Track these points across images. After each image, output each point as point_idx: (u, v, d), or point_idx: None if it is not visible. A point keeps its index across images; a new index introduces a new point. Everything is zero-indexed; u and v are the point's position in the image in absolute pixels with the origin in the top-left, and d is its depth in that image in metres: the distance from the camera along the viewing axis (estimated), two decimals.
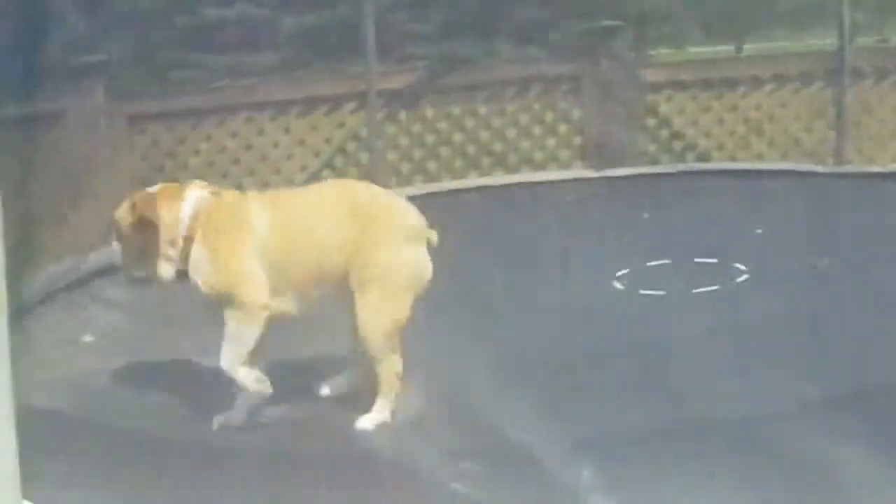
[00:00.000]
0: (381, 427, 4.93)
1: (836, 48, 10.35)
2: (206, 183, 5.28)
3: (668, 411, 4.88)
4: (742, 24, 14.46)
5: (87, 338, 6.31)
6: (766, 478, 4.20)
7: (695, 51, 13.98)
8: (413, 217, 5.15)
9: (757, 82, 10.60)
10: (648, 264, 7.15)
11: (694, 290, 6.61)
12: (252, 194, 5.36)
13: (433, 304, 5.08)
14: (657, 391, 5.10)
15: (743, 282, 6.77)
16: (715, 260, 7.08)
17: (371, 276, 5.01)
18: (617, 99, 10.40)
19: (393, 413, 4.97)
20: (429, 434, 4.87)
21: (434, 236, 5.09)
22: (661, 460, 4.37)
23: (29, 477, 3.54)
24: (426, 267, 5.11)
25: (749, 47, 14.41)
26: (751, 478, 4.19)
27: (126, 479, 4.46)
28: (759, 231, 7.66)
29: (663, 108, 10.62)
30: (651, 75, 10.79)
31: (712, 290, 6.59)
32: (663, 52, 13.51)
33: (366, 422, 5.01)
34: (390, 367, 5.02)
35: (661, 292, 6.63)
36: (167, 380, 5.46)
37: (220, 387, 4.95)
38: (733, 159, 10.53)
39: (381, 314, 5.00)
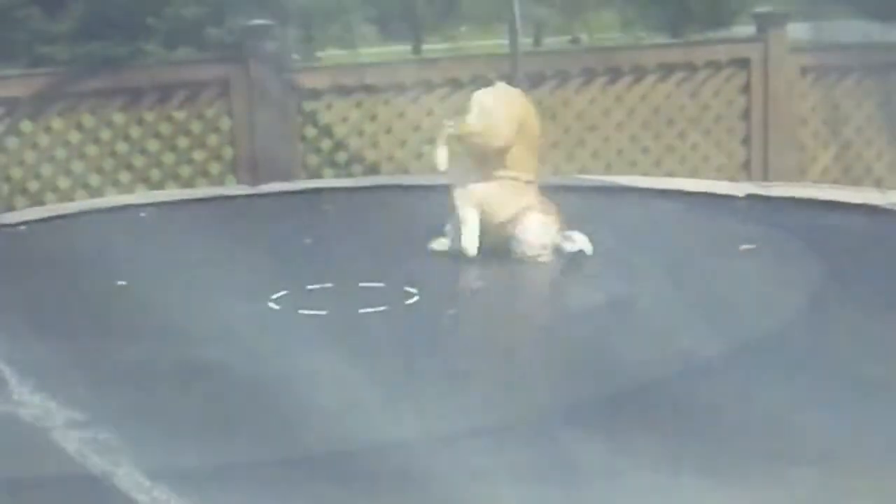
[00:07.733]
0: None
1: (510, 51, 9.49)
2: None
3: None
4: (422, 23, 13.82)
5: None
6: None
7: (368, 52, 13.15)
8: None
9: (428, 86, 9.58)
10: (308, 287, 6.26)
11: (360, 311, 5.79)
12: None
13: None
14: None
15: (413, 304, 5.96)
16: (382, 284, 6.26)
17: None
18: (270, 106, 9.22)
19: None
20: None
21: None
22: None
23: None
24: None
25: (430, 48, 13.78)
26: None
27: None
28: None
29: (324, 117, 9.48)
30: (309, 80, 9.64)
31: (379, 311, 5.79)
32: (333, 54, 12.64)
33: None
34: None
35: (322, 312, 5.81)
36: None
37: None
38: (405, 172, 9.50)
39: None
